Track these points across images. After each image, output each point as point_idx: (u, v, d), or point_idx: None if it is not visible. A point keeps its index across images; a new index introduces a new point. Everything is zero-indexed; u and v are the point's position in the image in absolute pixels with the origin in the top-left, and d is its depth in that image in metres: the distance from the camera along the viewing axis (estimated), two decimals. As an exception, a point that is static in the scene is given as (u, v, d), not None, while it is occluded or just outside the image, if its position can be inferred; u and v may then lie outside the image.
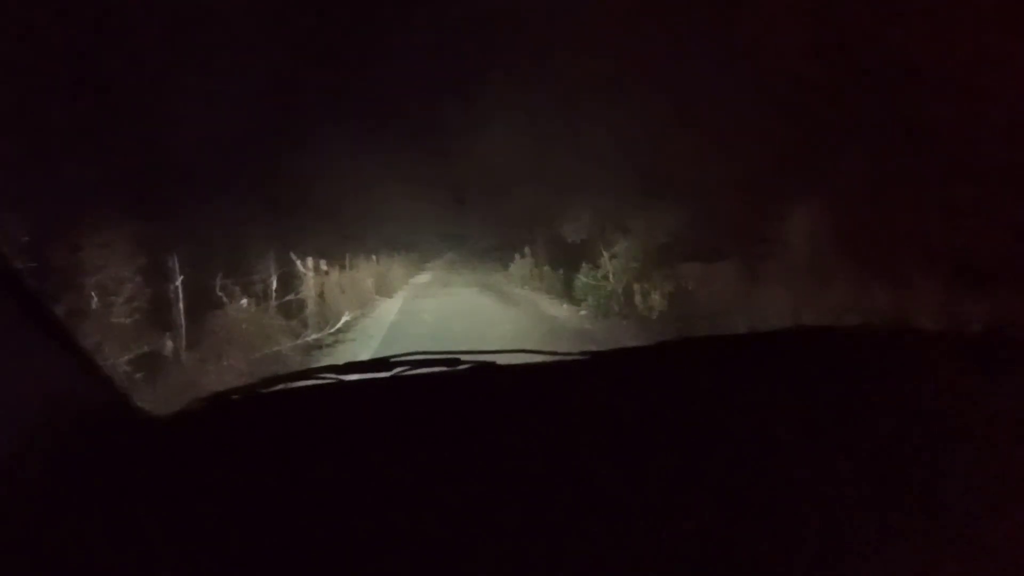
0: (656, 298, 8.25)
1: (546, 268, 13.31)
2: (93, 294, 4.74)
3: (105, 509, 0.67)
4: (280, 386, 1.04)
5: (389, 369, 1.07)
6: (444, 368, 1.08)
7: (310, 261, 9.30)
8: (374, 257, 14.31)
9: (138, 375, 4.64)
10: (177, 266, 5.81)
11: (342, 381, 1.04)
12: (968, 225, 5.33)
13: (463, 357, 1.09)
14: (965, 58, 5.63)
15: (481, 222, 21.26)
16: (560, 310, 10.12)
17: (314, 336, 7.85)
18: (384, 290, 13.42)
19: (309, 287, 9.05)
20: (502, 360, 1.10)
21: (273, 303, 7.97)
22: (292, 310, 8.34)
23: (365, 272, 12.62)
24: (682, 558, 0.58)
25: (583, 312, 9.59)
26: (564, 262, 11.91)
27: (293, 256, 8.89)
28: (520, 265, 15.06)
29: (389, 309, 10.95)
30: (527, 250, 14.97)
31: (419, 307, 11.07)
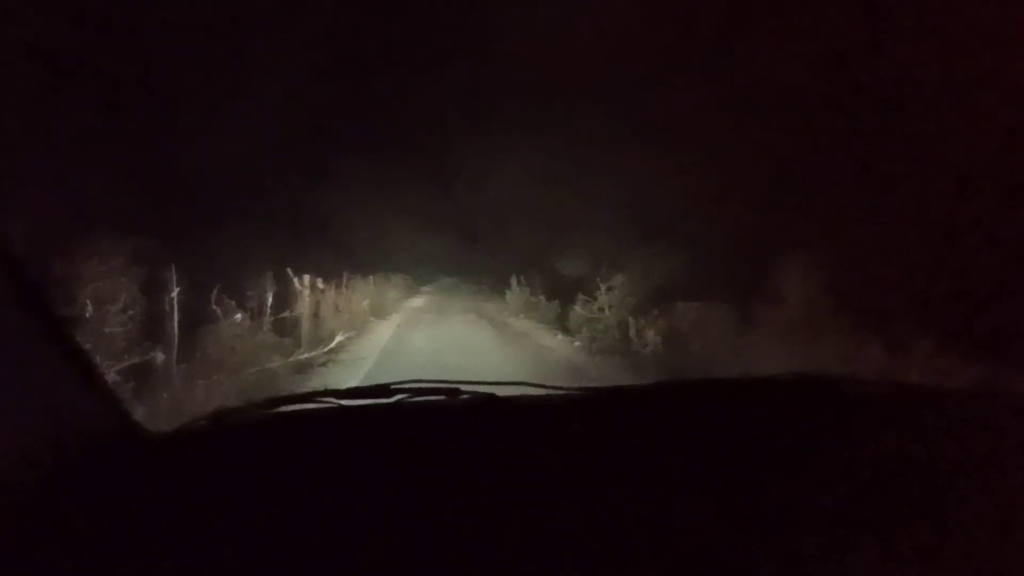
0: (650, 334, 8.26)
1: (542, 298, 13.33)
2: (88, 302, 4.72)
3: (105, 525, 0.68)
4: (280, 408, 1.04)
5: (389, 396, 1.07)
6: (444, 397, 1.09)
7: (307, 279, 9.28)
8: (370, 278, 14.30)
9: (128, 385, 4.59)
10: (174, 278, 5.80)
11: (342, 406, 1.05)
12: (969, 248, 5.37)
13: (463, 388, 1.10)
14: (966, 77, 5.74)
15: (482, 253, 21.51)
16: (554, 341, 10.10)
17: (306, 355, 7.80)
18: (379, 312, 13.39)
19: (304, 305, 9.02)
20: (502, 392, 1.12)
21: (267, 319, 7.93)
22: (286, 327, 8.30)
23: (361, 293, 12.60)
24: None
25: (577, 344, 9.58)
26: (560, 294, 11.95)
27: (290, 272, 8.88)
28: (516, 294, 15.08)
29: (383, 332, 10.91)
30: (523, 279, 15.02)
31: (413, 332, 11.03)
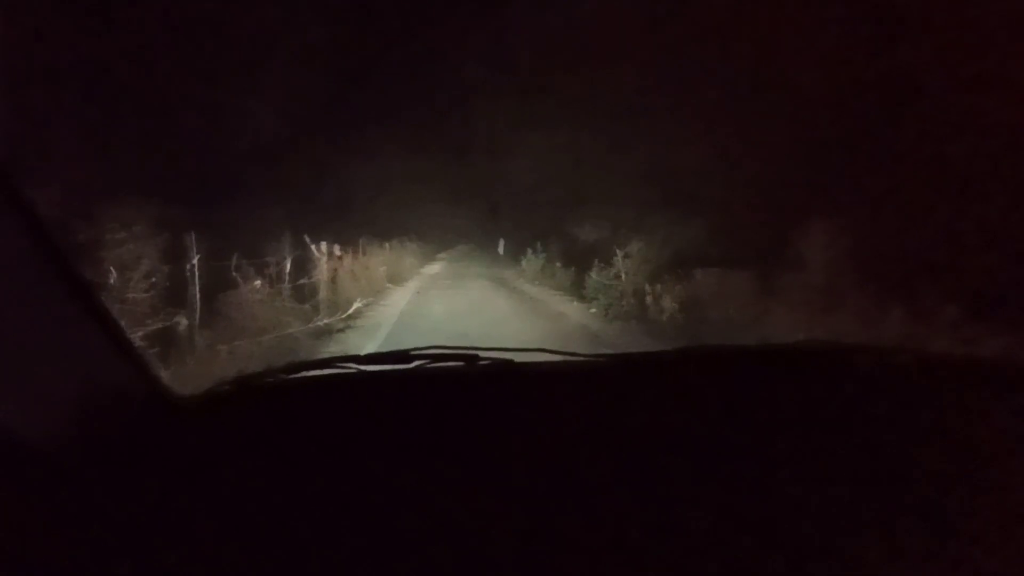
0: (667, 301, 8.21)
1: (558, 265, 13.30)
2: (111, 269, 4.80)
3: (140, 487, 0.69)
4: (303, 373, 1.05)
5: (409, 362, 1.08)
6: (462, 364, 1.09)
7: (324, 245, 9.34)
8: (387, 245, 14.37)
9: (152, 351, 4.70)
10: (194, 245, 5.87)
11: (363, 371, 1.06)
12: (976, 243, 5.28)
13: (482, 354, 1.10)
14: (969, 77, 5.58)
15: (499, 219, 21.51)
16: (569, 308, 10.11)
17: (325, 321, 7.90)
18: (396, 278, 13.48)
19: (322, 272, 9.10)
20: (520, 358, 1.12)
21: (286, 286, 8.03)
22: (304, 294, 8.40)
23: (377, 259, 12.68)
24: (681, 566, 0.59)
25: (592, 311, 9.57)
26: (577, 260, 11.90)
27: (307, 239, 8.95)
28: (532, 261, 15.06)
29: (400, 298, 10.99)
30: (540, 246, 14.97)
31: (429, 298, 11.10)
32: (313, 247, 9.03)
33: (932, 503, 0.68)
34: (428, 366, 1.08)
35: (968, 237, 5.37)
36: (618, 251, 9.80)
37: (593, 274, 10.24)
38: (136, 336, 4.65)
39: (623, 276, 9.61)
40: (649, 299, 8.57)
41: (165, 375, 4.65)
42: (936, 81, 5.97)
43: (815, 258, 6.57)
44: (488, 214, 22.84)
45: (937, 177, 5.90)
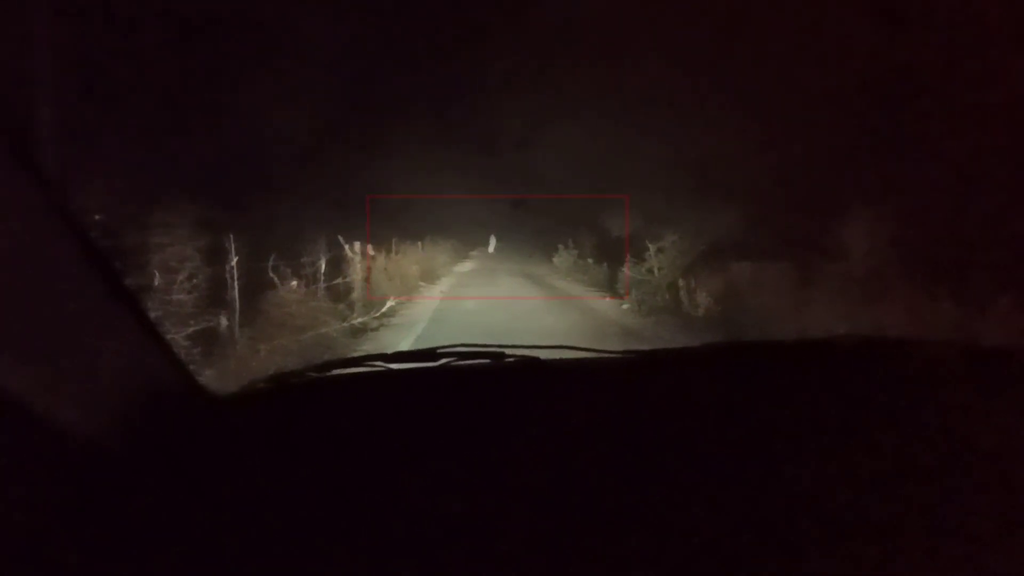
0: (703, 296, 8.07)
1: (590, 260, 13.23)
2: (156, 272, 4.98)
3: (178, 480, 0.72)
4: (334, 371, 1.08)
5: (436, 359, 1.09)
6: (489, 361, 1.10)
7: (357, 245, 9.49)
8: (419, 244, 14.51)
9: (195, 350, 4.86)
10: (233, 247, 6.04)
11: (391, 369, 1.08)
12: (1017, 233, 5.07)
13: (508, 351, 1.10)
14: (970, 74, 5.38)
15: (531, 216, 21.55)
16: (603, 304, 10.04)
17: (360, 320, 8.03)
18: (428, 277, 13.60)
19: (356, 271, 9.25)
20: (546, 356, 1.12)
21: (321, 285, 8.19)
22: (339, 293, 8.56)
23: (410, 258, 12.82)
24: (681, 564, 0.59)
25: (626, 306, 9.49)
26: (609, 254, 11.82)
27: (341, 240, 9.10)
28: (564, 257, 15.01)
29: (432, 297, 11.10)
30: (571, 241, 14.90)
31: (461, 295, 11.18)
32: (347, 247, 9.18)
33: (934, 501, 0.66)
34: (455, 363, 1.09)
35: (1011, 226, 5.14)
36: (651, 245, 9.68)
37: (626, 269, 10.16)
38: (182, 336, 4.81)
39: (656, 270, 9.50)
40: (683, 293, 8.44)
41: (209, 373, 4.81)
42: (981, 68, 5.72)
43: (853, 249, 6.37)
44: (520, 210, 22.89)
45: (979, 167, 5.66)
